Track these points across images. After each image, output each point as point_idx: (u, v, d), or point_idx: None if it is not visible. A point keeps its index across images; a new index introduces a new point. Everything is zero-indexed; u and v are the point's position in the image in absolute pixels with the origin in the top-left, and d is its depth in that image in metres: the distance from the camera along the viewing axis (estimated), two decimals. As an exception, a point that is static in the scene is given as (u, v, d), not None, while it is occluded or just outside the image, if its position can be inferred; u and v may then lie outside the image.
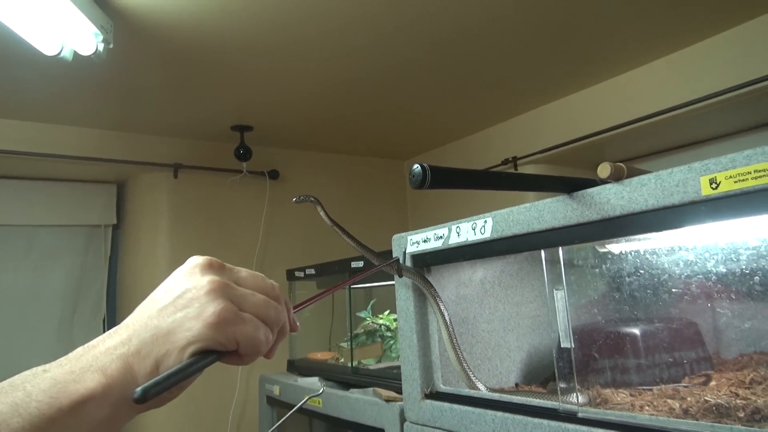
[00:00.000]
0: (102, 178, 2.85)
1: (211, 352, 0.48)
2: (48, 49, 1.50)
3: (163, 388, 0.44)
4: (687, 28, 1.95)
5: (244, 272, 0.54)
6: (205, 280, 0.50)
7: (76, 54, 1.55)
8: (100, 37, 1.48)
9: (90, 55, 1.52)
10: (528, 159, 2.66)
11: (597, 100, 2.41)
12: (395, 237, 1.30)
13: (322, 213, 1.18)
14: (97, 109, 2.40)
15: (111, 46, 1.54)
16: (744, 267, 0.88)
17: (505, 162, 2.72)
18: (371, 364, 1.84)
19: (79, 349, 0.49)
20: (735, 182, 0.67)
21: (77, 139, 2.55)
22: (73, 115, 2.45)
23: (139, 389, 0.43)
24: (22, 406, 0.43)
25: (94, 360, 0.47)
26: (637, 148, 2.62)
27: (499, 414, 0.99)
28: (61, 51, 1.51)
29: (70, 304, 2.73)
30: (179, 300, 0.49)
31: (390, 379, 1.57)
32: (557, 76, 2.33)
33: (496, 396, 1.06)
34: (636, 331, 1.10)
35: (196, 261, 0.52)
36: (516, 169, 2.70)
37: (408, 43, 1.94)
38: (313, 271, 2.16)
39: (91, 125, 2.58)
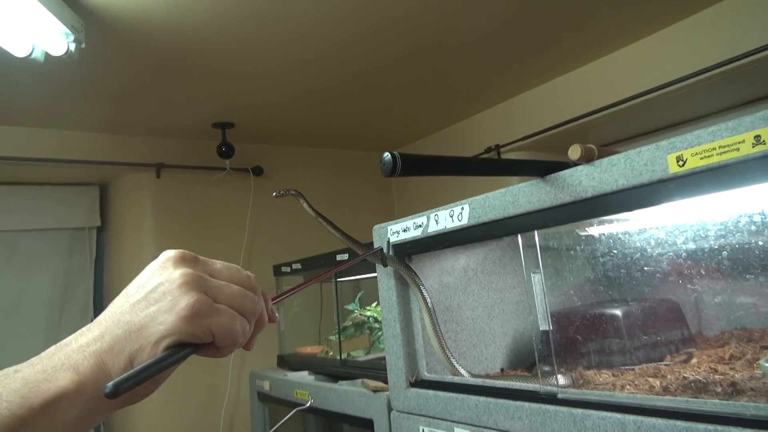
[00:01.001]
0: (84, 181, 2.83)
1: (187, 345, 0.47)
2: (18, 51, 1.48)
3: (136, 382, 0.43)
4: (662, 10, 1.96)
5: (218, 264, 0.53)
6: (177, 273, 0.49)
7: (48, 55, 1.53)
8: (71, 37, 1.46)
9: (62, 56, 1.50)
10: (511, 146, 2.66)
11: (578, 85, 2.42)
12: (376, 227, 1.30)
13: (305, 205, 1.17)
14: (76, 111, 2.37)
15: (83, 45, 1.52)
16: (725, 245, 0.89)
17: (488, 150, 2.72)
18: (360, 356, 1.84)
19: (51, 348, 0.48)
20: (701, 159, 0.67)
21: (57, 142, 2.52)
22: (52, 117, 2.42)
23: (110, 384, 0.42)
24: None
25: (66, 358, 0.47)
26: (619, 131, 2.63)
27: (482, 399, 1.00)
28: (32, 52, 1.49)
29: (57, 307, 2.71)
30: (152, 294, 0.49)
31: (378, 370, 1.57)
32: (537, 63, 2.33)
33: (479, 381, 1.07)
34: (618, 312, 1.10)
35: (168, 254, 0.52)
36: (499, 157, 2.70)
37: (387, 35, 1.94)
38: (299, 266, 2.16)
39: (71, 127, 2.56)
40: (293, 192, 1.17)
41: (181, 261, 0.51)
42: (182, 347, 0.47)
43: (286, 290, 0.65)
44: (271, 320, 0.57)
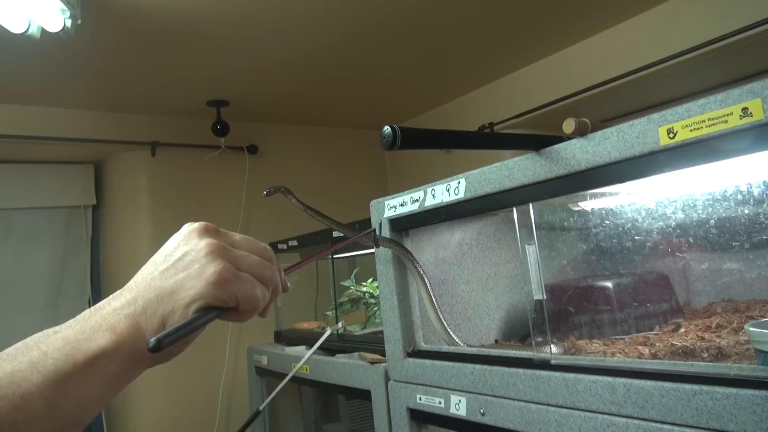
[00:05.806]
0: (79, 159, 2.83)
1: (213, 309, 0.51)
2: (14, 27, 1.48)
3: (175, 338, 0.48)
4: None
5: (237, 236, 0.57)
6: (203, 243, 0.53)
7: (44, 32, 1.53)
8: (68, 13, 1.46)
9: (58, 32, 1.50)
10: (505, 124, 2.68)
11: (572, 62, 2.43)
12: (373, 202, 1.32)
13: (293, 201, 1.19)
14: (70, 88, 2.36)
15: (79, 21, 1.52)
16: (712, 215, 0.91)
17: (482, 128, 2.73)
18: (356, 330, 1.87)
19: (86, 312, 0.52)
20: (691, 131, 0.69)
21: (52, 120, 2.52)
22: (47, 95, 2.41)
23: (153, 339, 0.46)
24: (39, 363, 0.47)
25: (102, 320, 0.50)
26: (614, 108, 2.65)
27: (478, 366, 1.03)
28: (28, 28, 1.49)
29: (55, 285, 2.73)
30: (180, 262, 0.52)
31: (375, 344, 1.60)
32: (532, 40, 2.34)
33: (474, 350, 1.10)
34: (609, 284, 1.13)
35: (192, 226, 0.55)
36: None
37: (381, 11, 1.94)
38: (295, 243, 2.17)
39: (66, 105, 2.55)
40: (282, 189, 1.19)
41: (205, 232, 0.55)
42: (209, 310, 0.51)
43: (296, 263, 0.68)
44: (284, 290, 0.60)
